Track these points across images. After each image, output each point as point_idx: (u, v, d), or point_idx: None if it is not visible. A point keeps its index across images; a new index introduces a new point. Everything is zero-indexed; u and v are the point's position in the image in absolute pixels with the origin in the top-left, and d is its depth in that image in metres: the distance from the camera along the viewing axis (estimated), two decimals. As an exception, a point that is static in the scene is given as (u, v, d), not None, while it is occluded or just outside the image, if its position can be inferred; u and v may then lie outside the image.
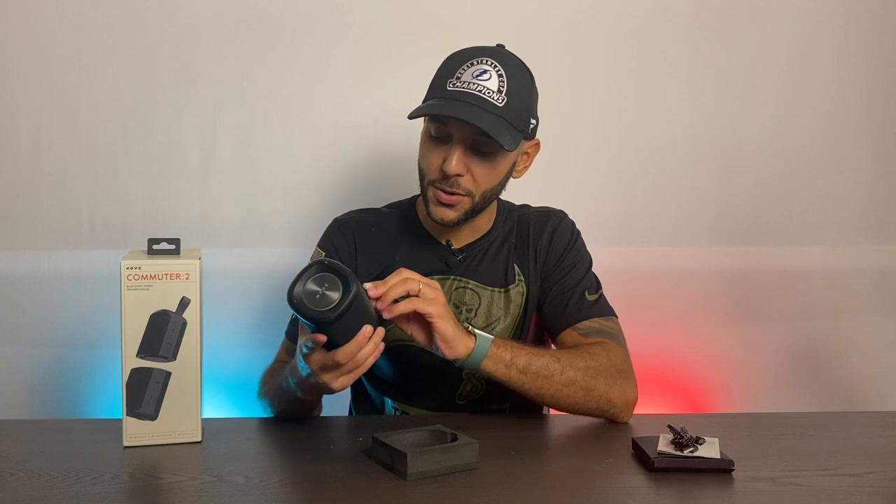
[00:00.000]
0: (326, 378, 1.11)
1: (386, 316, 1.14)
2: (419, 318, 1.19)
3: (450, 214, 1.35)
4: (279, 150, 1.90)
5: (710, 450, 1.13)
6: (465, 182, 1.33)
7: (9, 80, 1.83)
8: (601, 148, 1.98)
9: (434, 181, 1.34)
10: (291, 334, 1.43)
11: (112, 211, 1.86)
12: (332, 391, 1.15)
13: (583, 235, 1.49)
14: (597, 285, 1.45)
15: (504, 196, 1.49)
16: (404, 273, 1.18)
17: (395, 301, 1.15)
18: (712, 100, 2.00)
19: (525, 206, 1.53)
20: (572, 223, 1.49)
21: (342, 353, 1.08)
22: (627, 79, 1.98)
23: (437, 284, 1.20)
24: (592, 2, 1.96)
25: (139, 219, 1.86)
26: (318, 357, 1.10)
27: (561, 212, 1.51)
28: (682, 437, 1.14)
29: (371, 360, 1.10)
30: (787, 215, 2.04)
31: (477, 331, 1.23)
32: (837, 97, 2.03)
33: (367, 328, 1.08)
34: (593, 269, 1.47)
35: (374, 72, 1.90)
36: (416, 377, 1.41)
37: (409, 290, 1.16)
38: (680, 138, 2.00)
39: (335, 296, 1.05)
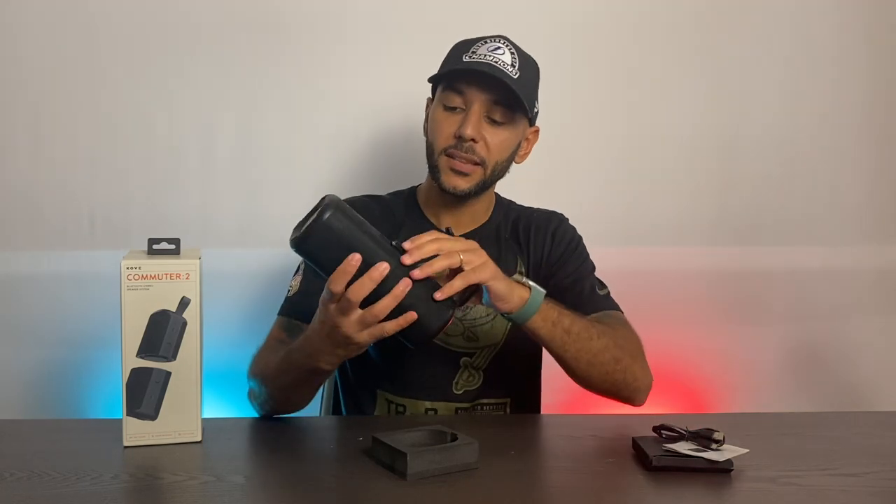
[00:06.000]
0: (345, 325, 1.07)
1: (418, 275, 1.07)
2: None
3: (462, 184, 1.36)
4: (279, 150, 1.90)
5: (713, 452, 1.12)
6: (480, 149, 1.34)
7: (9, 80, 1.83)
8: (601, 148, 1.99)
9: (447, 148, 1.35)
10: (285, 310, 1.41)
11: (112, 211, 1.86)
12: (356, 344, 1.11)
13: (583, 235, 1.50)
14: (602, 285, 1.46)
15: (507, 195, 1.49)
16: (435, 234, 1.13)
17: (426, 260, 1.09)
18: (712, 100, 2.00)
19: (525, 206, 1.53)
20: (573, 227, 1.51)
21: (331, 280, 1.05)
22: (627, 79, 1.98)
23: (475, 245, 1.15)
24: (593, 2, 1.96)
25: (139, 219, 1.86)
26: (327, 298, 1.07)
27: (562, 214, 1.52)
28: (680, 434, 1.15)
29: (365, 292, 1.04)
30: (787, 215, 2.04)
31: (531, 283, 1.20)
32: (837, 97, 2.03)
33: (355, 256, 1.04)
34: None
35: (374, 71, 1.90)
36: (411, 367, 1.40)
37: (450, 264, 1.11)
38: (680, 138, 2.00)
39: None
